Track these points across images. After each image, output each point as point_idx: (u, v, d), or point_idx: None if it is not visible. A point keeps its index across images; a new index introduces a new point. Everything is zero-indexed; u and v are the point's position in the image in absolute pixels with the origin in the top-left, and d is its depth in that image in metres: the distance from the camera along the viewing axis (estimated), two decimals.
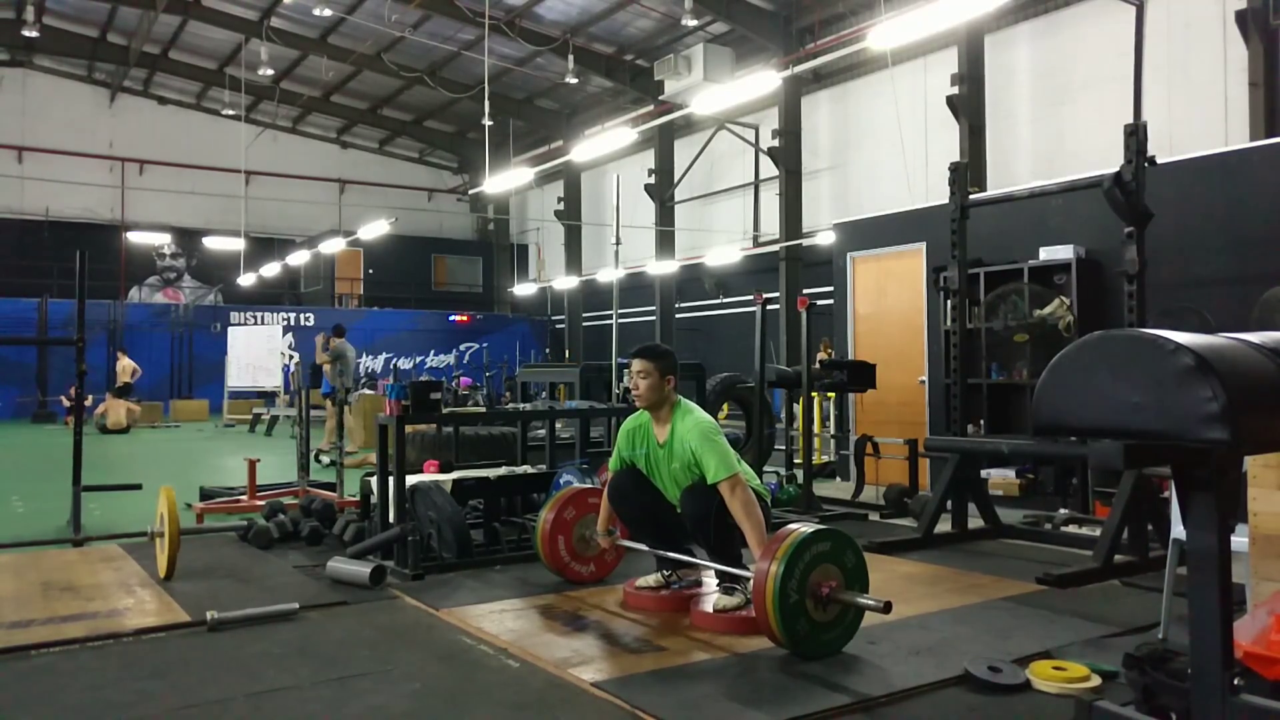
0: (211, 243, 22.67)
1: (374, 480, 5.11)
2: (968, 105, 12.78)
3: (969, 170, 6.57)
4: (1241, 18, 10.68)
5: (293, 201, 25.00)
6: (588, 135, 19.10)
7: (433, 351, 23.54)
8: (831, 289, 8.82)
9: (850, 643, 3.40)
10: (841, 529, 3.54)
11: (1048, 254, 6.90)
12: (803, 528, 3.40)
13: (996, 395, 7.31)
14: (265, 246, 23.83)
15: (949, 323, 6.49)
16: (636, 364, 4.00)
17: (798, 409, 7.40)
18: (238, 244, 21.74)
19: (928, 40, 12.28)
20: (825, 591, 3.29)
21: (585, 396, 7.19)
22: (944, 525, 5.58)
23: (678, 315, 19.62)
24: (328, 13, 16.92)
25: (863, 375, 7.14)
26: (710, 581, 4.11)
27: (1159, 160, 5.06)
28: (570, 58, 17.71)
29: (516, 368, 15.43)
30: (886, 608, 3.20)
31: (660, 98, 16.68)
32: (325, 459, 9.91)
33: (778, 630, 3.24)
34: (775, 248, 16.46)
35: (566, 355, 21.61)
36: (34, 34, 18.01)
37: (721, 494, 3.73)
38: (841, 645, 3.37)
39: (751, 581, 3.36)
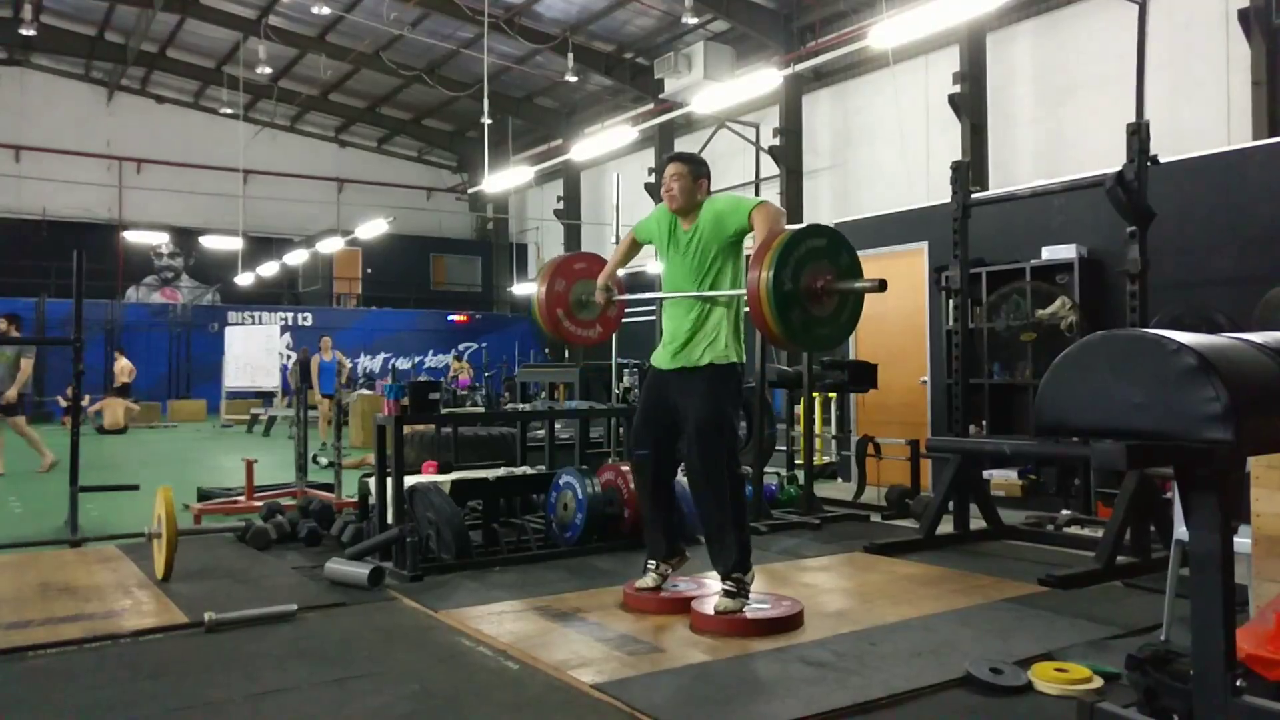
0: (209, 242, 22.63)
1: (372, 481, 5.10)
2: (969, 104, 12.76)
3: (970, 169, 6.55)
4: (1244, 16, 10.66)
5: (291, 200, 24.96)
6: (587, 134, 19.06)
7: (431, 351, 23.52)
8: None
9: (850, 642, 3.38)
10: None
11: (1050, 253, 6.88)
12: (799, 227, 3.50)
13: (998, 395, 7.29)
14: (263, 246, 23.79)
15: (951, 323, 6.48)
16: (670, 168, 4.03)
17: (798, 409, 7.39)
18: (236, 243, 21.70)
19: (929, 39, 12.25)
20: (820, 284, 3.33)
21: (585, 397, 7.17)
22: (946, 526, 5.57)
23: None
24: (326, 11, 16.88)
25: (864, 375, 7.12)
26: (710, 583, 4.10)
27: (1161, 159, 5.04)
28: (570, 56, 17.68)
29: (516, 368, 15.42)
30: (881, 286, 3.27)
31: (660, 96, 16.65)
32: (323, 460, 9.89)
33: (771, 318, 3.24)
34: None
35: (565, 355, 21.58)
36: (31, 32, 17.96)
37: (753, 218, 3.72)
38: (835, 343, 3.47)
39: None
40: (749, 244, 3.81)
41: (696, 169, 4.03)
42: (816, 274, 3.30)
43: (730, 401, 3.90)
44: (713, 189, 4.09)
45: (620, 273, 4.45)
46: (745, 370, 4.05)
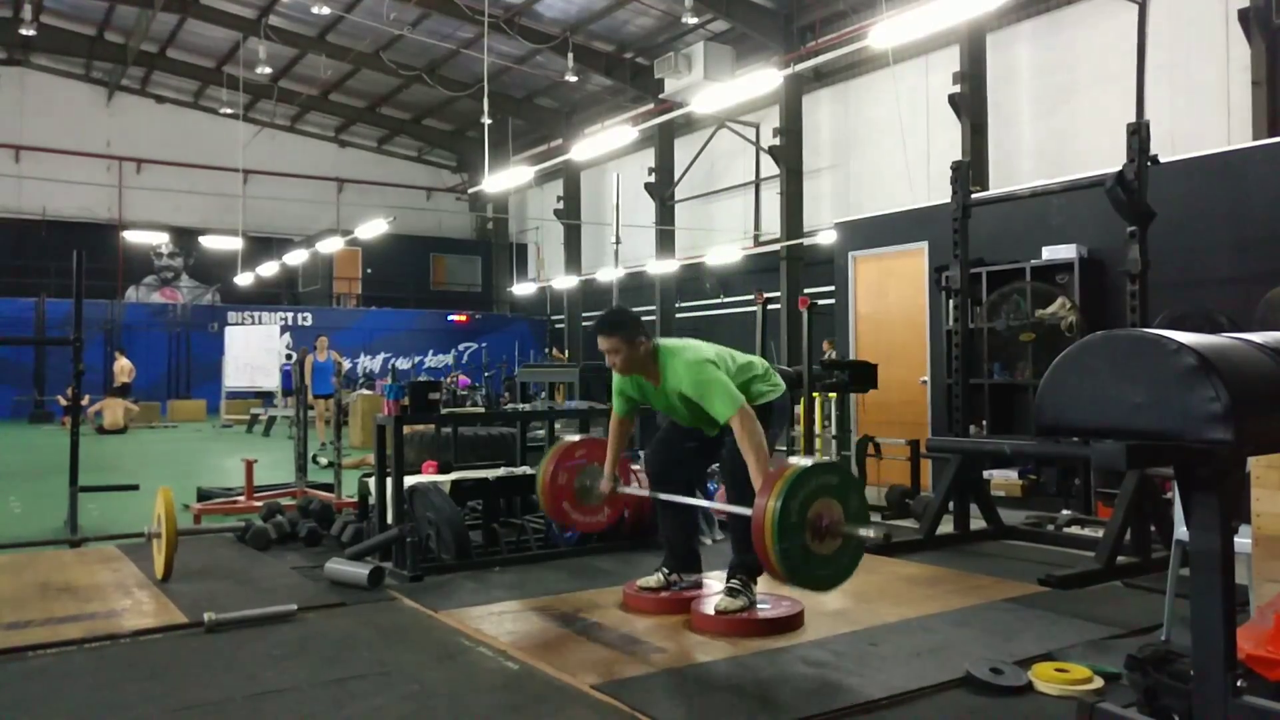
0: (209, 242, 22.60)
1: (372, 481, 5.10)
2: (969, 104, 12.76)
3: (971, 169, 6.55)
4: (1244, 16, 10.66)
5: (291, 200, 24.97)
6: (587, 134, 19.05)
7: (431, 351, 23.51)
8: (833, 288, 8.80)
9: (850, 642, 3.38)
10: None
11: (1050, 253, 6.88)
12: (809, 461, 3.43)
13: (999, 395, 7.29)
14: (263, 246, 23.78)
15: (951, 322, 6.47)
16: (602, 343, 3.91)
17: (799, 409, 7.38)
18: (235, 243, 21.68)
19: (929, 39, 12.25)
20: (825, 523, 3.26)
21: (585, 397, 7.16)
22: (946, 526, 5.57)
23: (678, 315, 19.60)
24: (326, 11, 16.88)
25: (864, 375, 7.11)
26: (712, 583, 4.10)
27: (1161, 159, 5.04)
28: (570, 56, 17.68)
29: (515, 368, 15.42)
30: (886, 539, 3.19)
31: (660, 96, 16.65)
32: (323, 460, 9.89)
33: (772, 549, 3.18)
34: (776, 247, 16.44)
35: (566, 355, 21.59)
36: (31, 32, 17.97)
37: (733, 427, 3.67)
38: (831, 585, 3.37)
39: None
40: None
41: (629, 333, 3.88)
42: (823, 511, 3.29)
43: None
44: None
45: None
46: (786, 397, 4.07)
